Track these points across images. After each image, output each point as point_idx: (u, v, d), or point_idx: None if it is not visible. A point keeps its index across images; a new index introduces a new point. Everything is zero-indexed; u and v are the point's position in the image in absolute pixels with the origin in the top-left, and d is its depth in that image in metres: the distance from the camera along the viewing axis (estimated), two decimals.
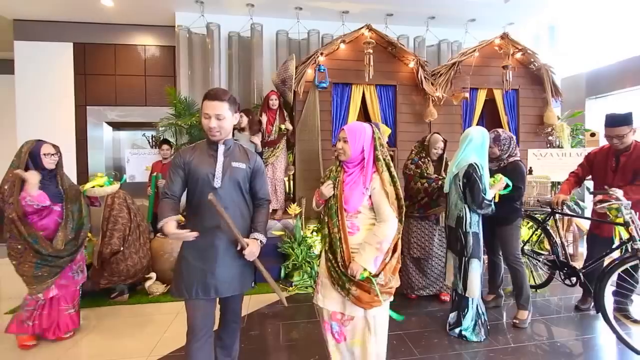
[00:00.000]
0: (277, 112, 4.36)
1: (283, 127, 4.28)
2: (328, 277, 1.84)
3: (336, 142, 1.89)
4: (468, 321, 2.59)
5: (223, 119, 1.70)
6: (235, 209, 1.77)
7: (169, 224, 1.62)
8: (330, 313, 1.84)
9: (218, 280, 1.71)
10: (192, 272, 1.71)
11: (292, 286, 3.63)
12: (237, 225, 1.72)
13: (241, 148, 1.88)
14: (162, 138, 4.74)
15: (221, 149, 1.78)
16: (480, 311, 2.61)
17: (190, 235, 1.60)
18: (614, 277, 2.53)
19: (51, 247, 2.51)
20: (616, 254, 2.70)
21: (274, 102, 4.31)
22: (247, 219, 1.83)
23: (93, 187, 2.80)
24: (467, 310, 2.59)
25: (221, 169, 1.74)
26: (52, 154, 2.57)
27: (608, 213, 2.58)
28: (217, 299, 1.81)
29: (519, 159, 2.85)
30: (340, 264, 1.79)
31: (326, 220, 1.87)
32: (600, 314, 2.49)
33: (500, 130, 2.88)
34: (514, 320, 2.80)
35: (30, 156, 2.51)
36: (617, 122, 2.59)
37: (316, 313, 1.97)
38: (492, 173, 2.84)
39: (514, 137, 2.90)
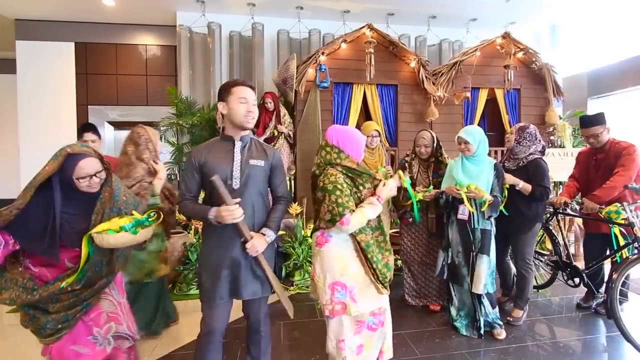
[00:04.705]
0: (274, 114, 4.34)
1: (277, 132, 4.24)
2: (370, 276, 1.77)
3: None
4: (463, 317, 2.69)
5: (255, 107, 1.68)
6: (254, 210, 1.67)
7: (216, 208, 1.55)
8: (368, 314, 1.81)
9: (238, 283, 1.64)
10: (212, 276, 1.64)
11: (293, 286, 3.63)
12: (253, 224, 1.67)
13: (258, 144, 1.76)
14: (84, 123, 3.34)
15: (238, 145, 1.67)
16: (486, 310, 2.61)
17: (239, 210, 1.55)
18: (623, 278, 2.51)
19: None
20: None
21: (269, 105, 4.28)
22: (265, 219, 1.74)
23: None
24: (464, 306, 2.68)
25: (239, 168, 1.63)
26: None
27: (606, 216, 2.66)
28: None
29: (539, 156, 2.71)
30: (388, 244, 1.88)
31: (382, 220, 1.84)
32: (610, 316, 2.44)
33: (532, 125, 2.77)
34: (508, 318, 2.83)
35: None
36: (591, 122, 2.75)
37: (329, 330, 1.84)
38: (512, 173, 2.69)
39: (542, 140, 2.75)
